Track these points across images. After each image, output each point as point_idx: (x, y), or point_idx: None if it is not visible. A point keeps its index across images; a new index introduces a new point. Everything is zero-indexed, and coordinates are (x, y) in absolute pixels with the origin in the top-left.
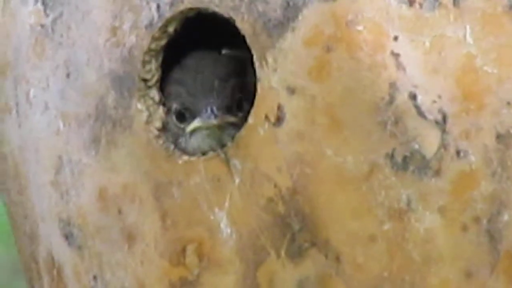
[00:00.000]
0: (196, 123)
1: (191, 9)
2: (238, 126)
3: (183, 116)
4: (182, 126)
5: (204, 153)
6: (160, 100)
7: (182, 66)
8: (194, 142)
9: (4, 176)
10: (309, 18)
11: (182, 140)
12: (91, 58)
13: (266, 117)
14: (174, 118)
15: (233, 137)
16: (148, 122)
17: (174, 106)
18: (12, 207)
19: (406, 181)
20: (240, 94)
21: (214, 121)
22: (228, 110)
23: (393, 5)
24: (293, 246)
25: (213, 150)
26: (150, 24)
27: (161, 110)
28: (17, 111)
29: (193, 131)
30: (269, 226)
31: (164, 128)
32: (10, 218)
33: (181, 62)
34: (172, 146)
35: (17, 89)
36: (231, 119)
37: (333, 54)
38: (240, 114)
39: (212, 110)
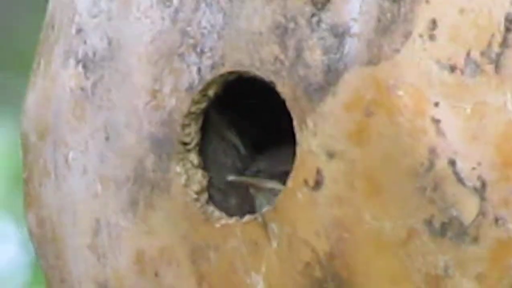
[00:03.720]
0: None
1: (231, 72)
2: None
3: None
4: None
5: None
6: (199, 164)
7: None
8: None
9: (42, 241)
10: (350, 82)
11: None
12: (130, 121)
13: (305, 181)
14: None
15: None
16: (186, 185)
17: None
18: (49, 272)
19: (443, 248)
20: None
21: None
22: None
23: (435, 71)
24: None
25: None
26: (191, 87)
27: (199, 174)
28: (55, 174)
29: None
30: None
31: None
32: (46, 283)
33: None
34: (210, 209)
35: (56, 152)
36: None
37: (374, 118)
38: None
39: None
